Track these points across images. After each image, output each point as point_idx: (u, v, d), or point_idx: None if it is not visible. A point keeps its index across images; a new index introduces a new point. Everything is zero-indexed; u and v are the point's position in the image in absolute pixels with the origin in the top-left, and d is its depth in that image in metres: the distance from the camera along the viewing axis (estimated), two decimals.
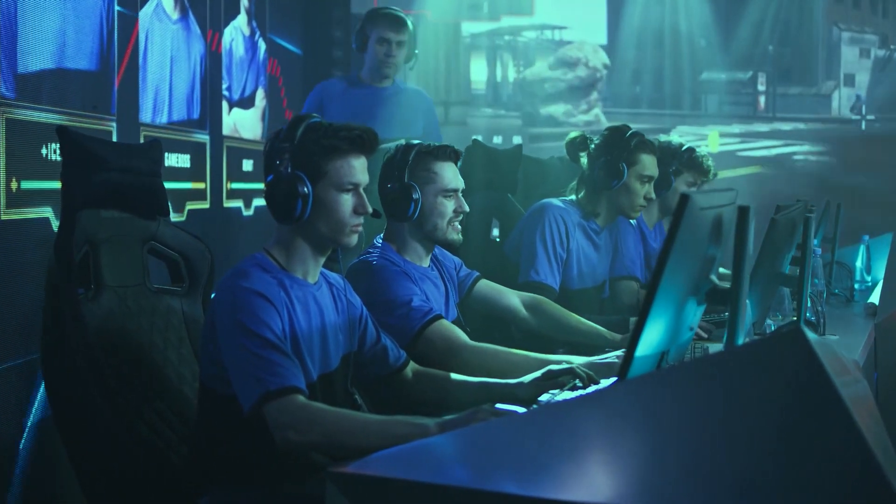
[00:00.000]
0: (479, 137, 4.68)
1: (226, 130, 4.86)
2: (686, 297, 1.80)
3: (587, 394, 2.05)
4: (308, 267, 2.28)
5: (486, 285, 3.12)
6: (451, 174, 2.84)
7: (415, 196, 2.76)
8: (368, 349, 2.45)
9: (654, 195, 3.62)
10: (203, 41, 4.53)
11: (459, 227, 2.88)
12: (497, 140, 6.72)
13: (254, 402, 2.03)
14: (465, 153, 3.81)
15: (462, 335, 2.74)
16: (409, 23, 4.69)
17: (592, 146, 3.60)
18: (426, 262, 2.90)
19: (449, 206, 2.83)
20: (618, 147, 3.55)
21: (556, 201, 3.58)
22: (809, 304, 2.96)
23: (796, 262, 2.82)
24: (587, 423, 1.58)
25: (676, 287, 1.70)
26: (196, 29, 4.46)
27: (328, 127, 2.25)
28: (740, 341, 1.84)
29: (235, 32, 5.01)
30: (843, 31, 7.22)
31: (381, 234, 2.90)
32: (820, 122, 7.27)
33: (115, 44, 3.62)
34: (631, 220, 3.91)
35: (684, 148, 4.13)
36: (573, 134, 3.69)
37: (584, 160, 3.60)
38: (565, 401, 2.04)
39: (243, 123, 5.14)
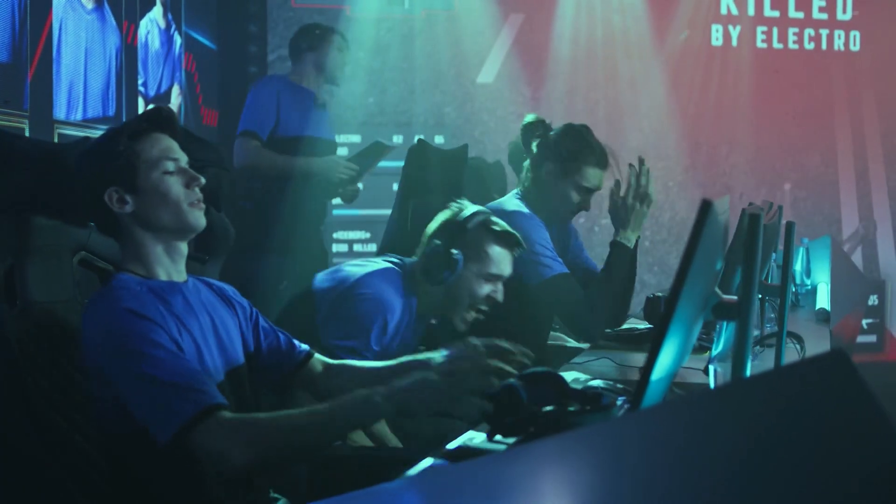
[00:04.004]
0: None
1: None
2: (698, 313, 1.65)
3: (586, 429, 1.87)
4: (168, 266, 2.07)
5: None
6: (501, 258, 2.73)
7: (455, 264, 2.65)
8: (266, 345, 2.26)
9: (589, 206, 3.42)
10: (119, 33, 4.26)
11: (472, 318, 2.74)
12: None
13: (171, 436, 1.82)
14: (407, 154, 3.62)
15: None
16: None
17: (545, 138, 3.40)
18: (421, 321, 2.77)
19: (484, 289, 2.71)
20: (564, 148, 3.35)
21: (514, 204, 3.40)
22: (772, 314, 2.86)
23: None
24: (591, 459, 1.40)
25: (692, 303, 1.55)
26: (111, 20, 4.19)
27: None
28: (749, 359, 1.70)
29: (151, 25, 4.75)
30: None
31: (410, 263, 2.74)
32: None
33: (28, 34, 3.35)
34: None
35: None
36: (529, 118, 3.48)
37: (534, 147, 3.42)
38: (563, 436, 1.85)
39: None
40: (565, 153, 3.34)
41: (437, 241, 2.66)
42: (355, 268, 2.70)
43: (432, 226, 2.74)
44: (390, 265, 2.71)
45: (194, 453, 1.83)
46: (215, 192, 2.52)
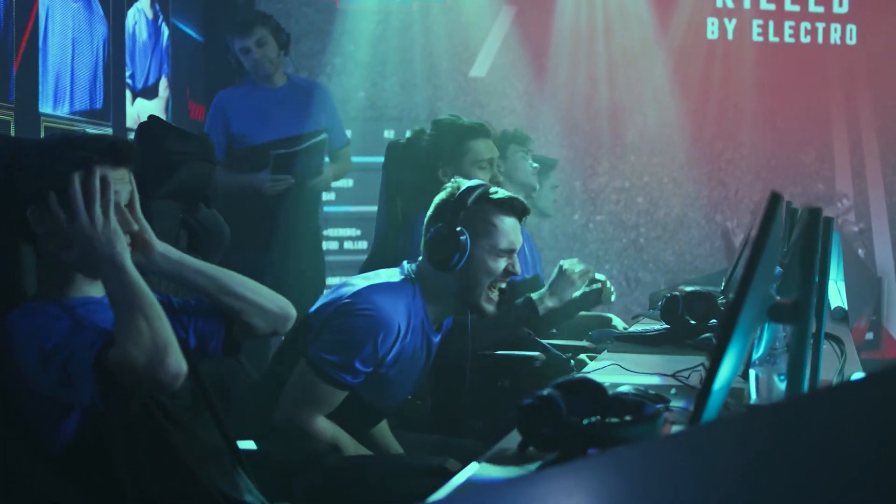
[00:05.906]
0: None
1: (129, 122, 4.44)
2: (758, 316, 1.52)
3: (633, 448, 1.74)
4: (83, 286, 1.97)
5: None
6: (510, 229, 2.52)
7: (464, 244, 2.45)
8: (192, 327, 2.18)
9: (500, 177, 3.36)
10: (106, 23, 4.11)
11: (496, 297, 2.55)
12: None
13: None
14: (387, 151, 3.47)
15: None
16: (261, 18, 4.55)
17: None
18: (439, 327, 2.58)
19: (500, 264, 2.51)
20: (447, 136, 3.27)
21: None
22: None
23: None
24: (655, 476, 1.27)
25: (755, 306, 1.42)
26: (98, 9, 4.04)
27: None
28: (807, 365, 1.58)
29: (139, 15, 4.59)
30: None
31: (416, 263, 2.55)
32: None
33: (13, 23, 3.20)
34: None
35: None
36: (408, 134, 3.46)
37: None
38: (626, 450, 1.71)
39: (147, 115, 4.72)
40: (446, 145, 3.25)
41: (439, 225, 2.48)
42: (359, 280, 2.53)
43: (430, 212, 2.56)
44: (396, 278, 2.52)
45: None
46: (202, 188, 2.32)
